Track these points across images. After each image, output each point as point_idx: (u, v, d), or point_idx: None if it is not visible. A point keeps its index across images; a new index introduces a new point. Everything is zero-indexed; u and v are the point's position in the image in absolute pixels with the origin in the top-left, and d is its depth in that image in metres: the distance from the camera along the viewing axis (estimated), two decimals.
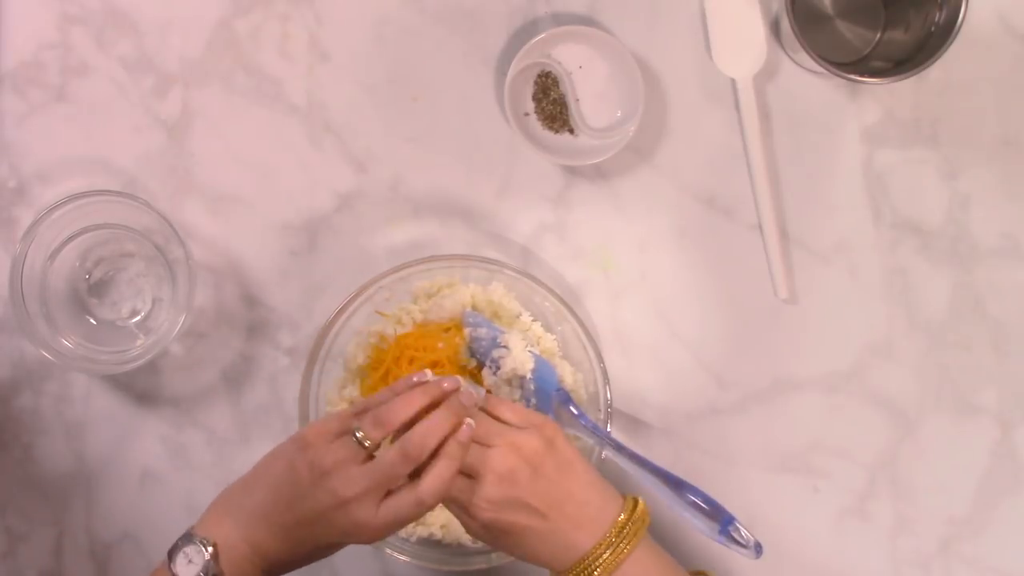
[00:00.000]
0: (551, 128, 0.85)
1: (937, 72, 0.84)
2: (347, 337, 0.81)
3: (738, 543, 0.67)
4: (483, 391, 0.68)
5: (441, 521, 0.79)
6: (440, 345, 0.79)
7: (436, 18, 0.85)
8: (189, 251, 0.78)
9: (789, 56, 0.86)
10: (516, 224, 0.85)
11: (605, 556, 0.64)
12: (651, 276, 0.86)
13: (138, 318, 0.83)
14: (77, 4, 0.84)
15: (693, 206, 0.86)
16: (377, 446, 0.64)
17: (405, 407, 0.65)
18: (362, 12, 0.85)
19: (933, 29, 0.81)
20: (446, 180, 0.85)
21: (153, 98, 0.84)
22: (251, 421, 0.84)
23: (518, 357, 0.77)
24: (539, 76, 0.85)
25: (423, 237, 0.85)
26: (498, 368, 0.77)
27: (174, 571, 0.63)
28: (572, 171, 0.85)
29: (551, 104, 0.84)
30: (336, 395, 0.81)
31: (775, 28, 0.86)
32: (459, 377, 0.67)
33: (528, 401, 0.77)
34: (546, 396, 0.77)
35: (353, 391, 0.80)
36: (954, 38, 0.78)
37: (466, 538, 0.79)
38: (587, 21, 0.85)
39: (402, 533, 0.79)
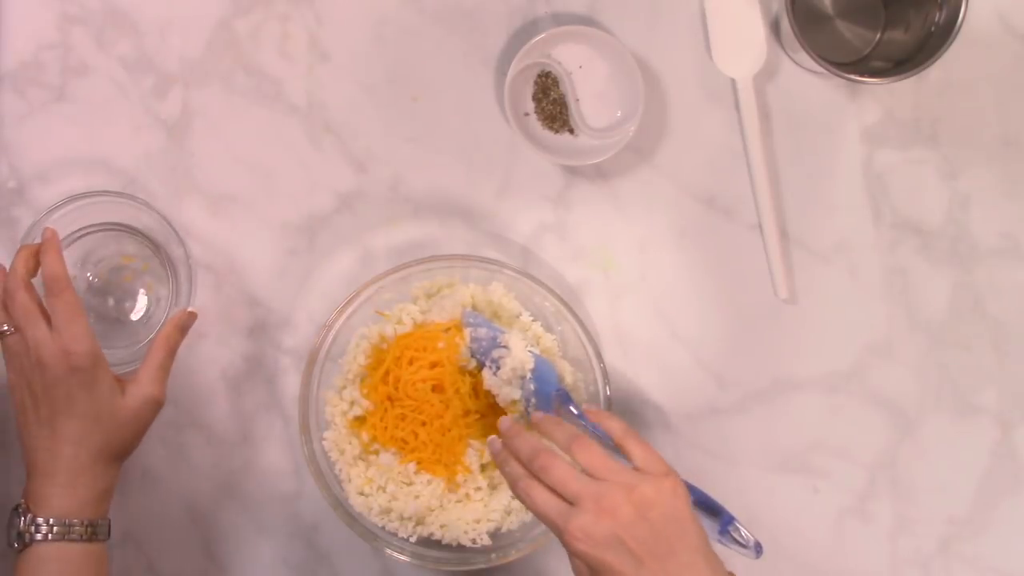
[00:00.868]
0: (551, 128, 0.85)
1: (937, 72, 0.84)
2: (347, 337, 0.81)
3: (738, 543, 0.67)
4: None
5: (441, 521, 0.79)
6: (440, 345, 0.79)
7: (436, 18, 0.85)
8: (189, 250, 0.78)
9: (789, 56, 0.86)
10: (516, 224, 0.85)
11: None
12: (651, 276, 0.86)
13: (139, 317, 0.83)
14: (77, 4, 0.84)
15: (693, 206, 0.86)
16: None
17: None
18: (362, 12, 0.85)
19: (933, 29, 0.81)
20: (446, 180, 0.85)
21: (153, 98, 0.84)
22: (251, 421, 0.84)
23: (518, 357, 0.77)
24: (539, 76, 0.85)
25: (423, 237, 0.85)
26: (498, 368, 0.77)
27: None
28: (572, 171, 0.85)
29: (551, 104, 0.84)
30: (336, 395, 0.81)
31: (775, 28, 0.86)
32: None
33: (528, 401, 0.77)
34: (546, 396, 0.77)
35: (353, 391, 0.80)
36: (954, 38, 0.78)
37: (466, 538, 0.79)
38: (587, 21, 0.85)
39: (402, 533, 0.79)
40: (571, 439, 0.66)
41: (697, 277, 0.86)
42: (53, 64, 0.84)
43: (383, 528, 0.79)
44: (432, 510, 0.79)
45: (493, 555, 0.79)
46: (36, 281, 0.71)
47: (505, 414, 0.78)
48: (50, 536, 0.67)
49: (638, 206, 0.86)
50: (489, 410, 0.79)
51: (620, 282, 0.86)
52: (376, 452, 0.80)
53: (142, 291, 0.83)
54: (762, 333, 0.86)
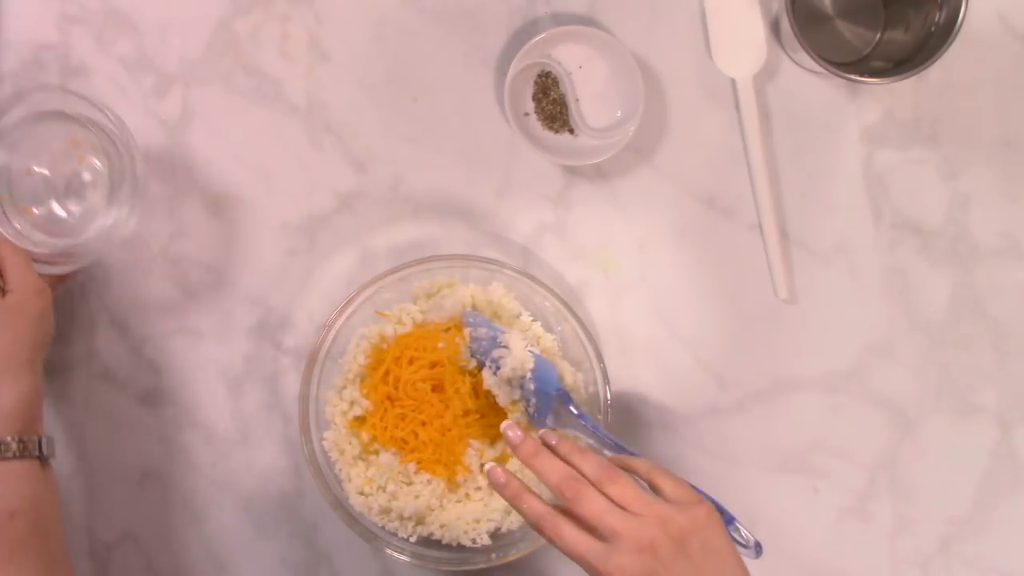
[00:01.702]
0: (551, 128, 0.85)
1: (937, 72, 0.84)
2: (347, 337, 0.81)
3: (738, 543, 0.67)
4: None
5: (441, 521, 0.79)
6: (440, 345, 0.79)
7: (436, 18, 0.85)
8: (135, 146, 0.76)
9: (789, 56, 0.86)
10: (516, 224, 0.85)
11: None
12: (651, 276, 0.86)
13: (81, 209, 0.79)
14: (77, 4, 0.84)
15: (693, 206, 0.86)
16: None
17: None
18: (362, 12, 0.85)
19: (933, 29, 0.81)
20: (446, 180, 0.85)
21: (153, 98, 0.84)
22: (251, 421, 0.84)
23: (518, 357, 0.77)
24: (539, 76, 0.85)
25: (423, 237, 0.85)
26: (498, 368, 0.77)
27: None
28: (572, 171, 0.85)
29: (551, 104, 0.84)
30: (336, 395, 0.81)
31: (775, 28, 0.86)
32: None
33: (528, 401, 0.77)
34: (546, 396, 0.77)
35: (353, 391, 0.80)
36: (954, 38, 0.78)
37: (466, 538, 0.79)
38: (587, 21, 0.85)
39: (402, 533, 0.79)
40: (600, 470, 0.64)
41: (697, 277, 0.86)
42: (53, 64, 0.84)
43: (383, 528, 0.79)
44: (432, 510, 0.79)
45: (493, 555, 0.79)
46: None
47: (505, 414, 0.78)
48: None
49: (638, 206, 0.86)
50: (489, 410, 0.79)
51: (620, 282, 0.86)
52: (376, 452, 0.80)
53: (91, 187, 0.79)
54: (762, 333, 0.86)
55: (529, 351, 0.78)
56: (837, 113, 0.86)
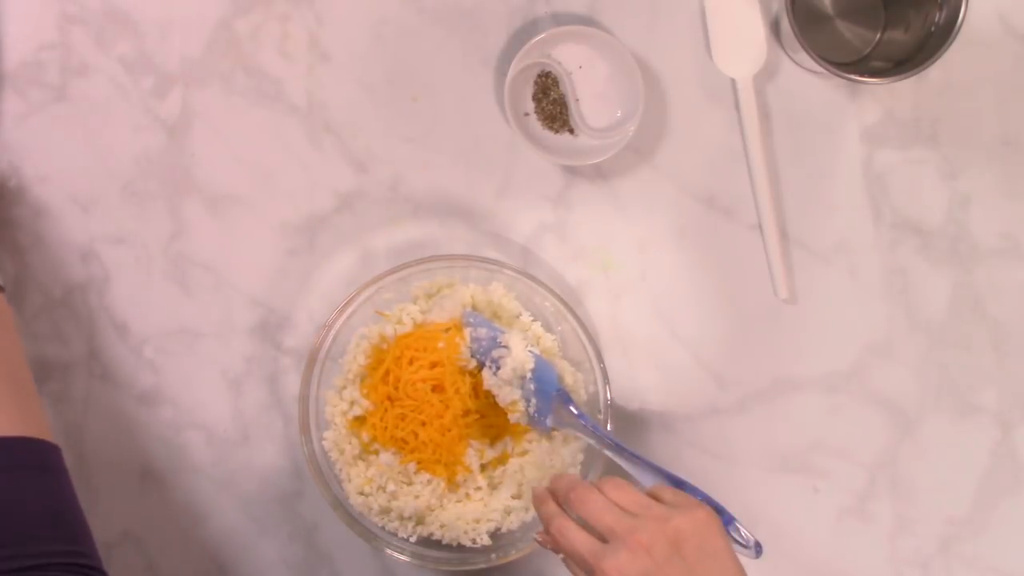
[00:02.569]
0: (551, 128, 0.85)
1: (937, 72, 0.84)
2: (347, 337, 0.81)
3: (738, 543, 0.67)
4: None
5: (441, 521, 0.79)
6: (440, 345, 0.79)
7: (435, 18, 0.85)
8: None
9: (789, 56, 0.86)
10: (516, 224, 0.85)
11: None
12: (651, 276, 0.86)
13: None
14: (77, 4, 0.84)
15: (693, 206, 0.86)
16: None
17: None
18: (362, 12, 0.85)
19: (933, 29, 0.81)
20: (446, 180, 0.85)
21: (153, 98, 0.84)
22: (251, 421, 0.84)
23: (518, 357, 0.77)
24: (539, 76, 0.85)
25: (423, 237, 0.85)
26: (498, 368, 0.77)
27: None
28: (572, 171, 0.85)
29: (551, 104, 0.84)
30: (336, 395, 0.81)
31: (775, 28, 0.86)
32: None
33: (528, 401, 0.77)
34: (546, 396, 0.77)
35: (353, 391, 0.80)
36: (954, 38, 0.78)
37: (466, 538, 0.79)
38: (587, 21, 0.85)
39: (402, 533, 0.79)
40: (603, 479, 0.65)
41: (697, 277, 0.86)
42: (53, 64, 0.84)
43: (383, 528, 0.79)
44: (432, 510, 0.79)
45: (493, 555, 0.79)
46: None
47: (505, 414, 0.78)
48: None
49: (638, 206, 0.86)
50: (489, 410, 0.79)
51: (620, 282, 0.86)
52: (376, 452, 0.80)
53: None
54: (762, 333, 0.86)
55: (529, 351, 0.78)
56: (837, 113, 0.86)
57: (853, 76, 0.80)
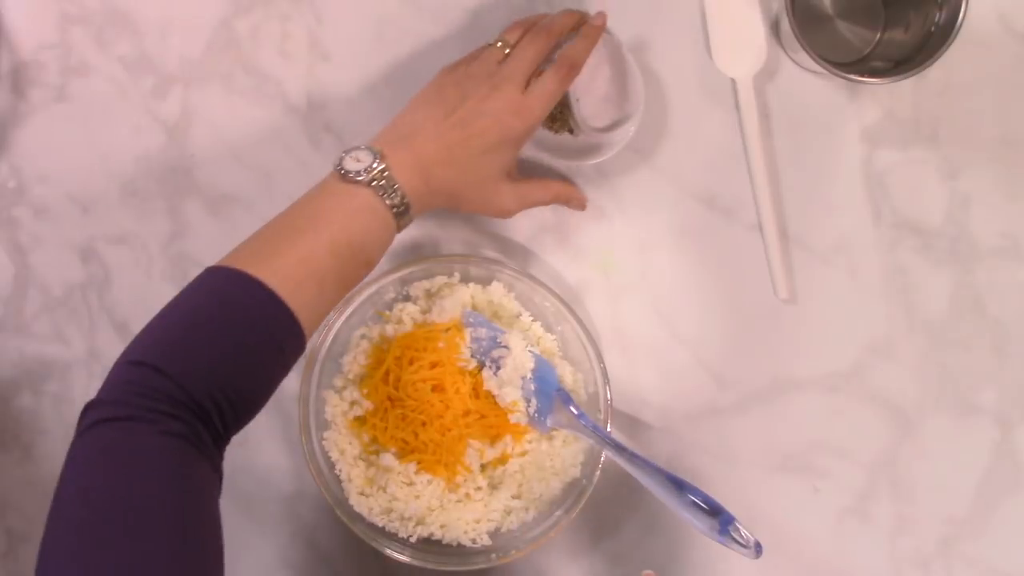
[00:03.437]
0: (551, 128, 0.85)
1: (937, 72, 0.84)
2: (347, 337, 0.81)
3: (738, 543, 0.67)
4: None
5: (441, 521, 0.79)
6: (440, 345, 0.79)
7: (436, 18, 0.85)
8: None
9: (789, 56, 0.86)
10: (516, 224, 0.85)
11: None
12: (651, 276, 0.86)
13: None
14: (77, 4, 0.84)
15: (693, 206, 0.86)
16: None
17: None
18: (362, 12, 0.85)
19: (933, 29, 0.81)
20: None
21: (153, 98, 0.84)
22: (251, 421, 0.84)
23: (518, 357, 0.77)
24: None
25: (423, 237, 0.85)
26: (498, 368, 0.77)
27: (342, 167, 0.68)
28: (572, 171, 0.85)
29: None
30: (336, 395, 0.81)
31: (775, 28, 0.86)
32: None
33: (528, 401, 0.77)
34: (546, 396, 0.77)
35: (353, 392, 0.80)
36: (954, 38, 0.78)
37: (466, 538, 0.79)
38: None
39: (402, 533, 0.79)
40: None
41: (697, 277, 0.86)
42: (53, 64, 0.84)
43: (383, 528, 0.79)
44: (432, 510, 0.79)
45: (493, 555, 0.79)
46: None
47: (505, 414, 0.78)
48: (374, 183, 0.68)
49: (638, 206, 0.86)
50: (489, 410, 0.79)
51: (620, 282, 0.86)
52: (376, 452, 0.80)
53: None
54: (762, 333, 0.86)
55: (529, 351, 0.78)
56: (837, 113, 0.86)
57: (853, 76, 0.80)
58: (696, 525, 0.69)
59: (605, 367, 0.80)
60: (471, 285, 0.82)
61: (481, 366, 0.79)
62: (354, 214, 0.67)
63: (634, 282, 0.86)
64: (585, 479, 0.79)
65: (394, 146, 0.70)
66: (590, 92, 0.83)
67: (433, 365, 0.78)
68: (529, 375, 0.77)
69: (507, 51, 0.74)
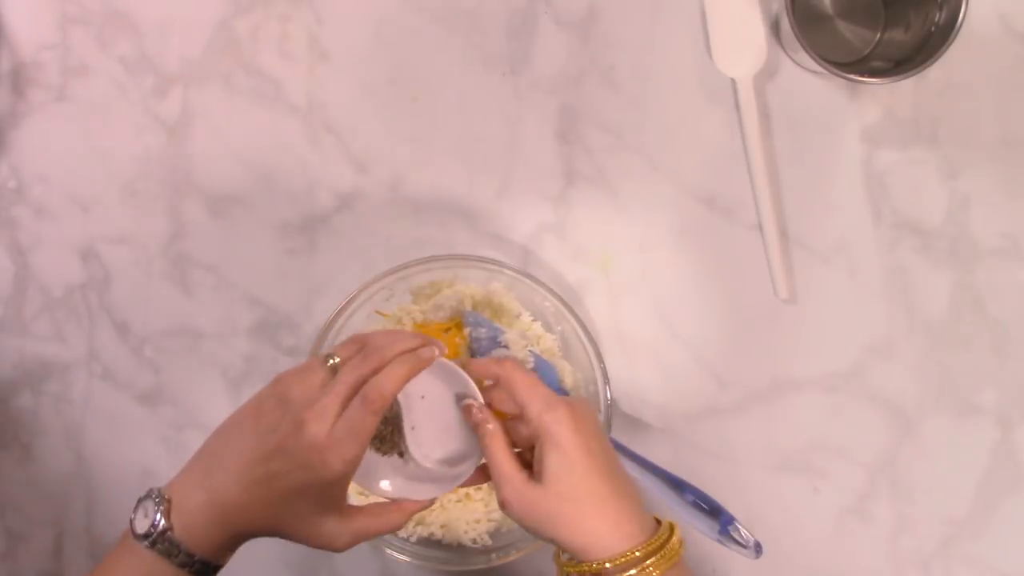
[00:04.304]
0: (379, 450, 0.72)
1: (937, 72, 0.84)
2: (347, 337, 0.81)
3: (738, 543, 0.67)
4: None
5: (441, 521, 0.79)
6: None
7: (436, 18, 0.85)
8: None
9: (789, 56, 0.86)
10: (516, 224, 0.85)
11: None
12: (651, 276, 0.86)
13: None
14: (77, 4, 0.84)
15: (693, 206, 0.86)
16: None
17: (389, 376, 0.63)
18: (362, 12, 0.85)
19: (933, 29, 0.81)
20: (446, 180, 0.85)
21: (153, 98, 0.84)
22: None
23: (518, 357, 0.77)
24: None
25: (423, 237, 0.85)
26: None
27: (133, 525, 0.62)
28: (572, 171, 0.85)
29: (382, 423, 0.71)
30: None
31: (775, 28, 0.86)
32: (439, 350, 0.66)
33: None
34: None
35: None
36: (954, 38, 0.78)
37: (466, 538, 0.79)
38: (587, 21, 0.85)
39: (402, 533, 0.79)
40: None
41: (697, 277, 0.86)
42: (53, 64, 0.84)
43: None
44: (432, 510, 0.79)
45: (493, 555, 0.79)
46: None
47: (505, 414, 0.78)
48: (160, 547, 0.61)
49: (638, 206, 0.86)
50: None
51: (620, 282, 0.86)
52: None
53: None
54: (762, 333, 0.86)
55: (529, 351, 0.78)
56: (837, 113, 0.86)
57: (853, 76, 0.80)
58: (696, 525, 0.69)
59: (605, 367, 0.80)
60: (471, 285, 0.82)
61: None
62: None
63: (634, 282, 0.86)
64: None
65: (191, 489, 0.62)
66: (431, 419, 0.71)
67: None
68: None
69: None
